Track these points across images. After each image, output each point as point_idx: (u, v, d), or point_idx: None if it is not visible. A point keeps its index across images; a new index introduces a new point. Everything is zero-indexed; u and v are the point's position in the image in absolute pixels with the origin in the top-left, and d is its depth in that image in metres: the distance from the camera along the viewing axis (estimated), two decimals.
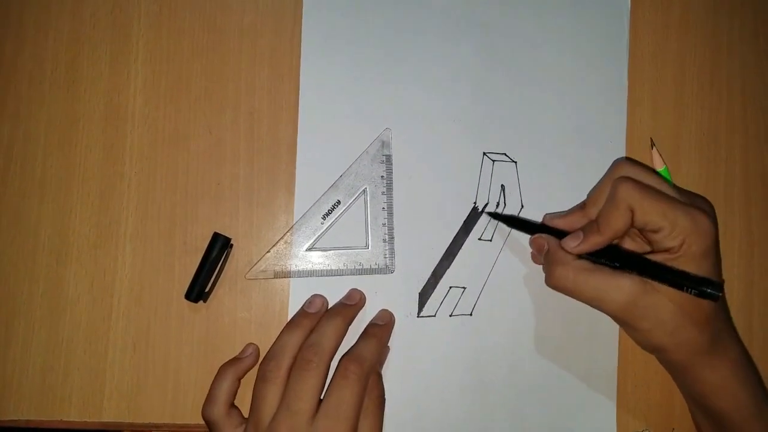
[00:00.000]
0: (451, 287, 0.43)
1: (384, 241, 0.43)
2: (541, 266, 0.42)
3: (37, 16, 0.43)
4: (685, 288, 0.36)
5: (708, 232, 0.36)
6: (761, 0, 0.48)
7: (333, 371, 0.38)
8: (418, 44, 0.45)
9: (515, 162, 0.44)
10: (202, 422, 0.40)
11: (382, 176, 0.43)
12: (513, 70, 0.45)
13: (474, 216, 0.44)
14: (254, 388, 0.38)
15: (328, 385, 0.38)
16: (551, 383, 0.43)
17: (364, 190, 0.43)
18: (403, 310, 0.43)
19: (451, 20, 0.45)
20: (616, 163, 0.41)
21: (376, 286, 0.43)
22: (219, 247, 0.41)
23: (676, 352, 0.38)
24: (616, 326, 0.43)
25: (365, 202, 0.43)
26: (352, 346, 0.40)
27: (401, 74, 0.44)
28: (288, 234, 0.42)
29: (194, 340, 0.42)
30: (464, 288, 0.43)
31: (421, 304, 0.43)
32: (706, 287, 0.35)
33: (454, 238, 0.44)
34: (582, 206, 0.41)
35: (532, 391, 0.43)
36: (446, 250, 0.43)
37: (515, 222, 0.43)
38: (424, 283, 0.43)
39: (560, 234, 0.40)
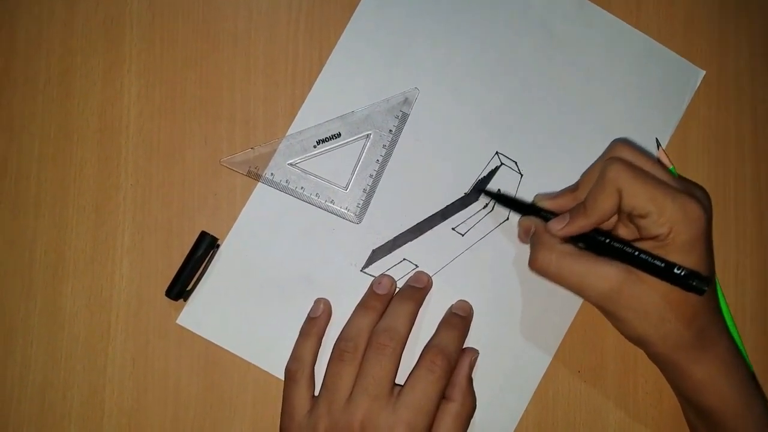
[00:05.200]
0: (404, 259, 0.42)
1: (364, 191, 0.42)
2: (492, 289, 0.42)
3: (29, 29, 0.43)
4: (670, 279, 0.34)
5: (697, 221, 0.35)
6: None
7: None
8: (469, 34, 0.44)
9: (521, 175, 0.43)
10: None
11: (390, 130, 0.43)
12: (559, 91, 0.44)
13: (458, 206, 0.43)
14: (329, 367, 0.39)
15: (413, 375, 0.38)
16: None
17: (367, 135, 0.42)
18: (351, 258, 0.42)
19: (514, 19, 0.44)
20: (613, 145, 0.40)
21: (336, 225, 0.42)
22: (205, 246, 0.41)
23: (660, 345, 0.37)
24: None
25: (363, 147, 0.42)
26: (435, 337, 0.40)
27: (440, 48, 0.44)
28: (278, 142, 0.42)
29: (194, 354, 0.41)
30: (416, 266, 0.43)
31: (370, 260, 0.42)
32: (692, 280, 0.34)
33: (429, 217, 0.43)
34: (575, 188, 0.40)
35: None
36: (416, 224, 0.43)
37: (506, 200, 0.42)
38: (382, 243, 0.42)
39: (550, 216, 0.39)
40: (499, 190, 0.43)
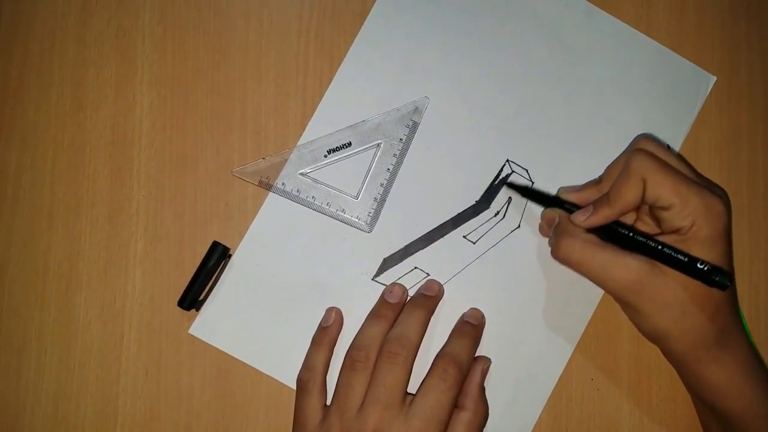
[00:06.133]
0: (415, 268, 0.42)
1: (375, 199, 0.42)
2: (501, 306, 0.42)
3: (42, 42, 0.43)
4: (693, 274, 0.34)
5: (720, 216, 0.35)
6: None
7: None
8: (481, 39, 0.44)
9: (532, 182, 0.43)
10: None
11: (401, 139, 0.43)
12: (570, 98, 0.44)
13: (469, 213, 0.43)
14: (341, 376, 0.38)
15: (425, 383, 0.38)
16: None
17: (378, 144, 0.42)
18: (362, 267, 0.42)
19: (524, 28, 0.44)
20: (637, 139, 0.40)
21: (347, 234, 0.42)
22: (217, 255, 0.41)
23: (680, 341, 0.36)
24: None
25: (374, 156, 0.42)
26: (447, 345, 0.40)
27: (450, 57, 0.44)
28: (289, 151, 0.42)
29: (206, 363, 0.42)
30: (427, 275, 0.42)
31: (381, 269, 0.42)
32: (714, 275, 0.34)
33: (440, 225, 0.43)
34: (598, 181, 0.40)
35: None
36: (428, 232, 0.43)
37: (529, 193, 0.42)
38: (393, 251, 0.42)
39: (574, 208, 0.39)
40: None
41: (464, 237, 0.43)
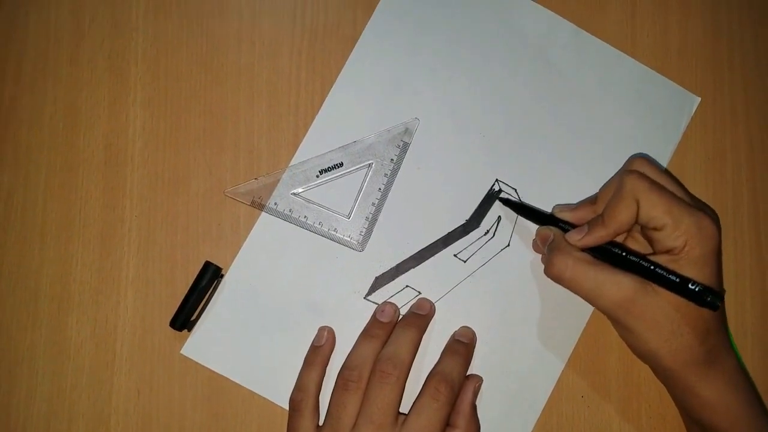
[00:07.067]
0: (407, 286, 0.43)
1: (366, 219, 0.43)
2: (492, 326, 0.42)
3: (35, 63, 0.44)
4: (685, 294, 0.35)
5: (711, 236, 0.36)
6: (760, 19, 0.47)
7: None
8: (470, 60, 0.45)
9: (521, 201, 0.44)
10: None
11: (392, 159, 0.43)
12: (558, 119, 0.45)
13: (459, 232, 0.43)
14: (334, 396, 0.39)
15: (417, 403, 0.38)
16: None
17: (369, 165, 0.43)
18: (354, 286, 0.43)
19: (512, 49, 0.45)
20: (631, 159, 0.40)
21: (339, 254, 0.43)
22: (209, 276, 0.41)
23: (670, 360, 0.37)
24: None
25: (366, 176, 0.43)
26: (439, 364, 0.40)
27: (439, 78, 0.45)
28: (281, 172, 0.42)
29: (198, 384, 0.42)
30: (419, 293, 0.43)
31: (373, 288, 0.43)
32: (706, 296, 0.34)
33: (431, 244, 0.43)
34: (593, 200, 0.41)
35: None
36: (419, 251, 0.43)
37: (525, 210, 0.43)
38: (385, 270, 0.43)
39: (568, 227, 0.40)
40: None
41: (455, 256, 0.43)
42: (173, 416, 0.41)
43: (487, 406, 0.42)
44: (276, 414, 0.41)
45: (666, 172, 0.40)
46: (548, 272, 0.39)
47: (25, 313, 0.42)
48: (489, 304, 0.43)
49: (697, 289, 0.35)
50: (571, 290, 0.38)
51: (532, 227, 0.43)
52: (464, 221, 0.44)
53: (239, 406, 0.42)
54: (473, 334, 0.42)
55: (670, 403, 0.42)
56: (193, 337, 0.42)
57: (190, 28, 0.44)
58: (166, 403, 0.41)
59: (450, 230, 0.44)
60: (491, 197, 0.44)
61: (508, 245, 0.44)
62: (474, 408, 0.40)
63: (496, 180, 0.44)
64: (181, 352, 0.41)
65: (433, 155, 0.44)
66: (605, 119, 0.45)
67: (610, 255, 0.38)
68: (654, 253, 0.37)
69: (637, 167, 0.39)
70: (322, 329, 0.42)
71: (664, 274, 0.36)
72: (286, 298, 0.42)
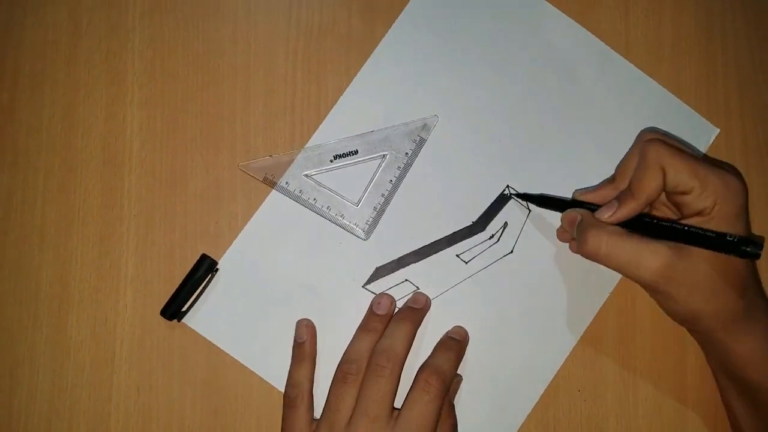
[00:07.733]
0: (406, 280, 0.43)
1: (375, 209, 0.43)
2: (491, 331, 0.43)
3: (33, 64, 0.44)
4: (723, 248, 0.35)
5: (739, 192, 0.36)
6: (755, 17, 0.47)
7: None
8: (491, 64, 0.45)
9: (529, 211, 0.44)
10: None
11: (407, 153, 0.44)
12: (575, 134, 0.45)
13: (464, 233, 0.44)
14: (332, 388, 0.39)
15: (409, 396, 0.38)
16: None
17: (384, 156, 0.43)
18: (354, 274, 0.43)
19: (538, 58, 0.46)
20: (643, 133, 0.41)
21: (343, 240, 0.43)
22: (204, 268, 0.41)
23: (712, 319, 0.37)
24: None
25: (379, 166, 0.43)
26: (430, 358, 0.40)
27: (463, 80, 0.45)
28: (296, 153, 0.43)
29: (197, 381, 0.42)
30: (417, 288, 0.43)
31: (373, 277, 0.43)
32: (745, 246, 0.34)
33: (435, 241, 0.44)
34: (612, 179, 0.41)
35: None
36: (422, 247, 0.43)
37: (544, 201, 0.43)
38: (386, 262, 0.43)
39: (591, 210, 0.40)
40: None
41: (457, 256, 0.44)
42: (173, 413, 0.42)
43: (474, 405, 0.42)
44: (275, 408, 0.42)
45: (677, 138, 0.40)
46: (582, 250, 0.38)
47: (25, 312, 0.42)
48: (485, 307, 0.43)
49: (735, 240, 0.35)
50: (608, 265, 0.38)
51: (538, 236, 0.44)
52: (471, 223, 0.44)
53: (239, 401, 0.42)
54: (466, 333, 0.43)
55: (666, 398, 0.42)
56: (196, 313, 0.42)
57: (186, 29, 0.45)
58: (166, 400, 0.42)
59: (456, 230, 0.44)
60: (501, 201, 0.44)
61: (512, 252, 0.44)
62: (451, 404, 0.41)
63: (507, 186, 0.44)
64: (184, 320, 0.42)
65: (447, 154, 0.44)
66: (622, 139, 0.44)
67: (642, 226, 0.38)
68: (683, 218, 0.38)
69: (653, 136, 0.39)
70: (300, 324, 0.42)
71: (700, 231, 0.36)
72: (287, 278, 0.43)
